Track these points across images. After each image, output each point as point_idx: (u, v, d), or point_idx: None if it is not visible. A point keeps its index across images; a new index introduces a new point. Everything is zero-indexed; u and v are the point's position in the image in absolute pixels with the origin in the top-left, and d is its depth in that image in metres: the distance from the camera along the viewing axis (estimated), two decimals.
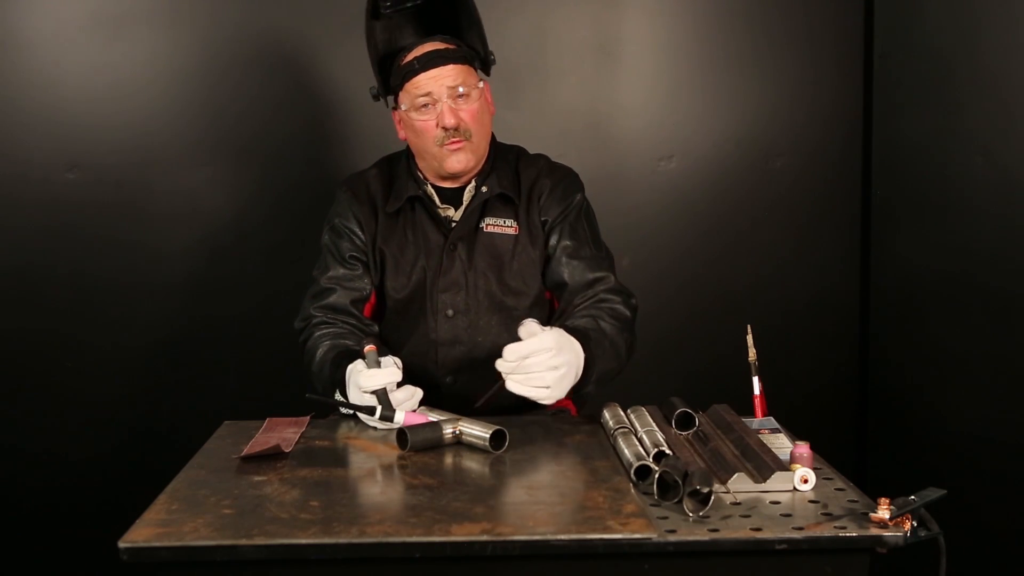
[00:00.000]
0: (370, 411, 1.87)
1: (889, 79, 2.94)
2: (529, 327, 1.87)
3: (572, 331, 1.96)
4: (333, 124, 2.99)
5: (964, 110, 2.64)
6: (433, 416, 1.91)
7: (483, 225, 2.18)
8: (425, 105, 2.09)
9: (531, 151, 2.30)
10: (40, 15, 2.91)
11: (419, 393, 1.94)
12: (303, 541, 1.41)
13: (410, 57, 2.10)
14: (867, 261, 3.06)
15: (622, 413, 1.90)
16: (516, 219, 2.19)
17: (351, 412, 1.97)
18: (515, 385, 1.84)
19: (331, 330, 2.15)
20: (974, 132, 2.60)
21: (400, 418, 1.86)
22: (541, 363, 1.83)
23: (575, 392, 1.97)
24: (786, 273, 3.07)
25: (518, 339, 1.91)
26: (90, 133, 2.94)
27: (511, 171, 2.21)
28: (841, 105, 3.03)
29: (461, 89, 2.08)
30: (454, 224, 2.18)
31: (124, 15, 2.93)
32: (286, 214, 2.98)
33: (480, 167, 2.19)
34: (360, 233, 2.20)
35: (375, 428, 1.92)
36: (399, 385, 1.91)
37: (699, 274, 3.07)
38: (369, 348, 1.92)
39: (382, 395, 1.87)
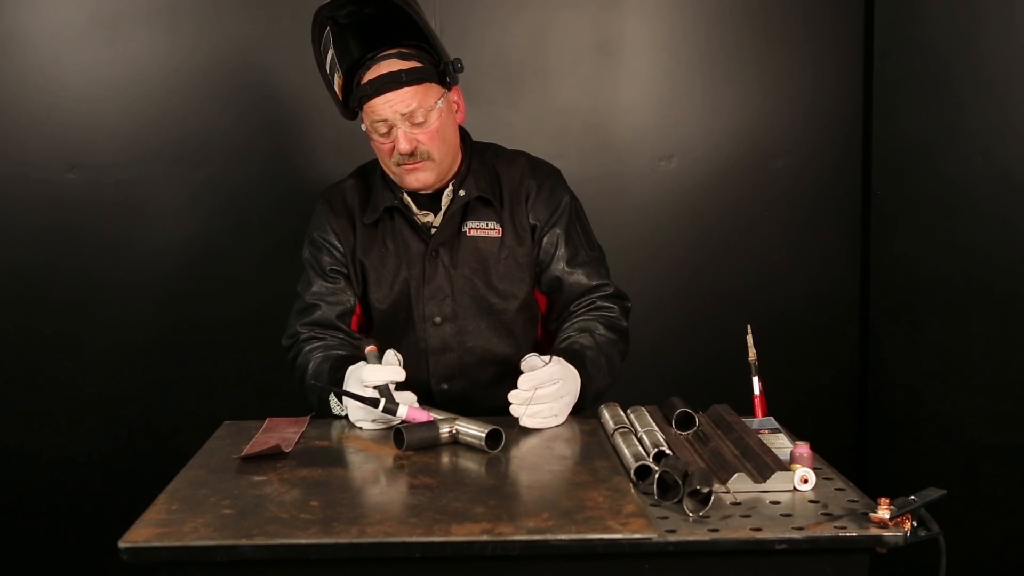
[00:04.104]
0: (374, 403, 1.85)
1: (889, 79, 2.94)
2: (531, 361, 1.93)
3: (569, 354, 2.00)
4: (334, 125, 2.98)
5: (964, 110, 2.64)
6: (432, 414, 1.92)
7: (466, 229, 2.15)
8: (382, 129, 2.05)
9: (531, 151, 2.28)
10: (40, 15, 2.91)
11: (414, 398, 1.94)
12: (303, 541, 1.41)
13: (365, 79, 2.04)
14: (867, 261, 3.06)
15: (622, 413, 1.90)
16: (499, 221, 2.15)
17: (343, 413, 1.97)
18: (529, 420, 1.89)
19: (321, 343, 2.13)
20: (974, 132, 2.60)
21: (403, 412, 1.85)
22: (550, 394, 1.89)
23: (574, 412, 1.99)
24: (786, 273, 3.07)
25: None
26: (90, 133, 2.94)
27: (489, 172, 2.18)
28: (841, 105, 3.03)
29: (419, 113, 2.03)
30: (434, 230, 2.14)
31: (124, 15, 2.92)
32: (285, 213, 2.98)
33: (452, 172, 2.14)
34: (339, 245, 2.17)
35: (360, 428, 1.92)
36: (399, 387, 1.91)
37: (699, 274, 3.07)
38: (370, 348, 1.93)
39: (385, 390, 1.87)
